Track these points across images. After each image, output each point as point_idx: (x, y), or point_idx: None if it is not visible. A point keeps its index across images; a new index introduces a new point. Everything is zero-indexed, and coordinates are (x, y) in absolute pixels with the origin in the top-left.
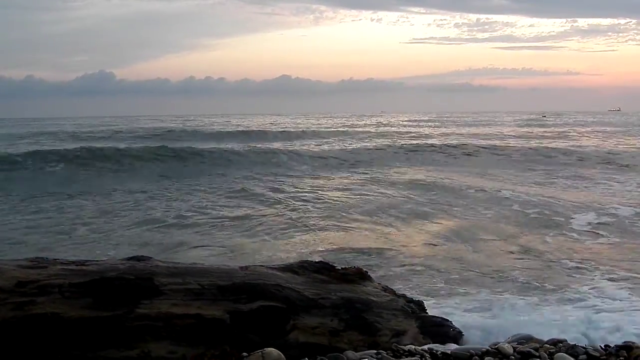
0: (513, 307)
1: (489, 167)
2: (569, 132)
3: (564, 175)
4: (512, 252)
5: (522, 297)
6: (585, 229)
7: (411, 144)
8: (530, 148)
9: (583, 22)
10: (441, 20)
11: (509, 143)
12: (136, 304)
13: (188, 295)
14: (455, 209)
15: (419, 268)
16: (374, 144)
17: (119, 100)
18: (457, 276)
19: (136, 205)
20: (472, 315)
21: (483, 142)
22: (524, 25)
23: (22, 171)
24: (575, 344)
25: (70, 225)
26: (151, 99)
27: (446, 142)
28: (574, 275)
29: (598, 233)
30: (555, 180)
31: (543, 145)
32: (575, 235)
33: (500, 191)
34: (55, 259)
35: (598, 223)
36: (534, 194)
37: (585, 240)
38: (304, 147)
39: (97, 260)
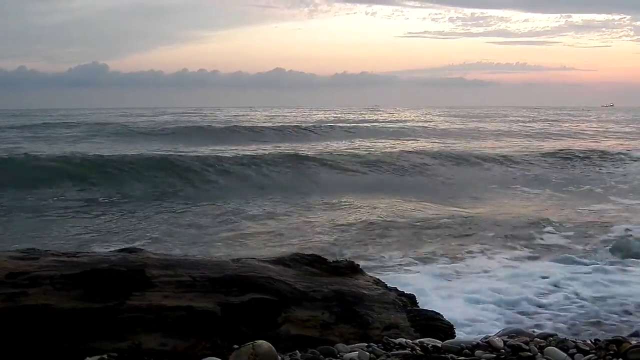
0: None
1: None
2: None
3: None
4: None
5: None
6: None
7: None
8: None
9: (577, 18)
10: (436, 14)
11: None
12: (127, 296)
13: (179, 287)
14: None
15: None
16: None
17: (113, 91)
18: None
19: None
20: None
21: None
22: (519, 20)
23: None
24: (565, 338)
25: None
26: (145, 91)
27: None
28: None
29: None
30: None
31: None
32: None
33: None
34: (47, 250)
35: None
36: None
37: None
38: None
39: (88, 252)
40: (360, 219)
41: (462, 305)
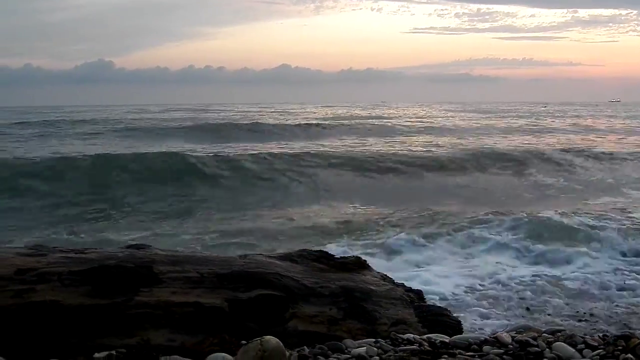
0: None
1: None
2: None
3: None
4: None
5: None
6: None
7: None
8: None
9: (584, 13)
10: (442, 10)
11: None
12: (135, 292)
13: (187, 284)
14: None
15: None
16: None
17: (119, 88)
18: None
19: None
20: None
21: None
22: (525, 15)
23: None
24: (573, 334)
25: None
26: (151, 88)
27: None
28: None
29: None
30: None
31: None
32: None
33: None
34: (55, 247)
35: None
36: None
37: None
38: None
39: (96, 248)
40: (372, 219)
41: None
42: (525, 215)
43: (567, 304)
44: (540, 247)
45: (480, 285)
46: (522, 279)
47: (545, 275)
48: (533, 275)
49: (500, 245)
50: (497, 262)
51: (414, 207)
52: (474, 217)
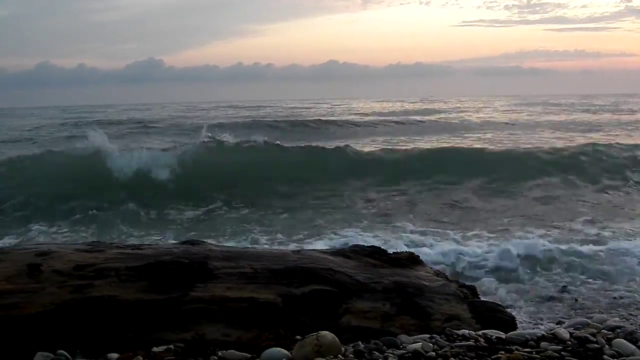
0: None
1: None
2: None
3: None
4: None
5: None
6: None
7: None
8: None
9: (638, 2)
10: (491, 2)
11: None
12: (191, 287)
13: (241, 279)
14: None
15: None
16: None
17: (169, 86)
18: None
19: None
20: None
21: None
22: (577, 6)
23: None
24: (634, 330)
25: None
26: (200, 85)
27: None
28: None
29: None
30: None
31: None
32: None
33: None
34: (112, 243)
35: None
36: None
37: None
38: None
39: (152, 244)
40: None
41: None
42: None
43: None
44: None
45: None
46: None
47: None
48: None
49: None
50: None
51: None
52: None
